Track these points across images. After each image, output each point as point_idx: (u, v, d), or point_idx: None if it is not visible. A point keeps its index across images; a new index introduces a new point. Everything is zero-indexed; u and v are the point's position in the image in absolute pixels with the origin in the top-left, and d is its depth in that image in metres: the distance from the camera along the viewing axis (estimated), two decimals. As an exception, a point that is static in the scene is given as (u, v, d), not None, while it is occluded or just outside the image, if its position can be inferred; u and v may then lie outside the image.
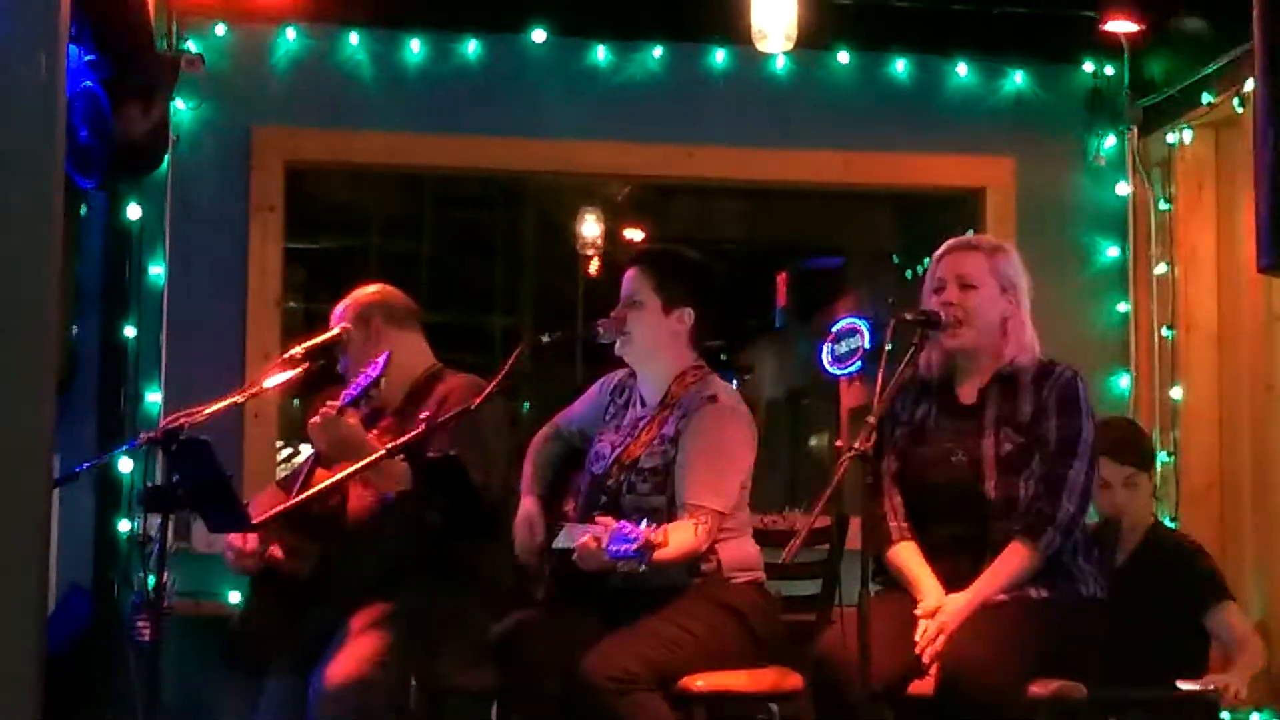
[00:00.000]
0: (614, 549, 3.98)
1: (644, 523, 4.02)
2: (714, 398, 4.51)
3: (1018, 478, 4.20)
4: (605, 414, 4.74)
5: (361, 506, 4.68)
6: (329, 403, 4.53)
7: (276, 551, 4.61)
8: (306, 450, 4.94)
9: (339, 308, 4.97)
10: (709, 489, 4.38)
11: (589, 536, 4.08)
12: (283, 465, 6.93)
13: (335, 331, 4.89)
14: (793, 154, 6.54)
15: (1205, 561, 5.24)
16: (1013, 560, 4.14)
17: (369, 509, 4.65)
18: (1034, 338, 4.36)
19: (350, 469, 4.34)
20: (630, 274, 4.63)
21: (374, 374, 4.46)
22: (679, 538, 4.24)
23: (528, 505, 4.67)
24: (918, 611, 4.15)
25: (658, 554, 4.07)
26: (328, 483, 4.41)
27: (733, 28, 6.06)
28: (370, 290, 5.00)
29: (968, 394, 4.36)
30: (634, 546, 3.94)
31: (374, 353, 4.69)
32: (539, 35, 6.35)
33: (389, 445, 4.26)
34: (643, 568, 4.00)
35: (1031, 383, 4.29)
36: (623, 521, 4.05)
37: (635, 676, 4.16)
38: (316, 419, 4.53)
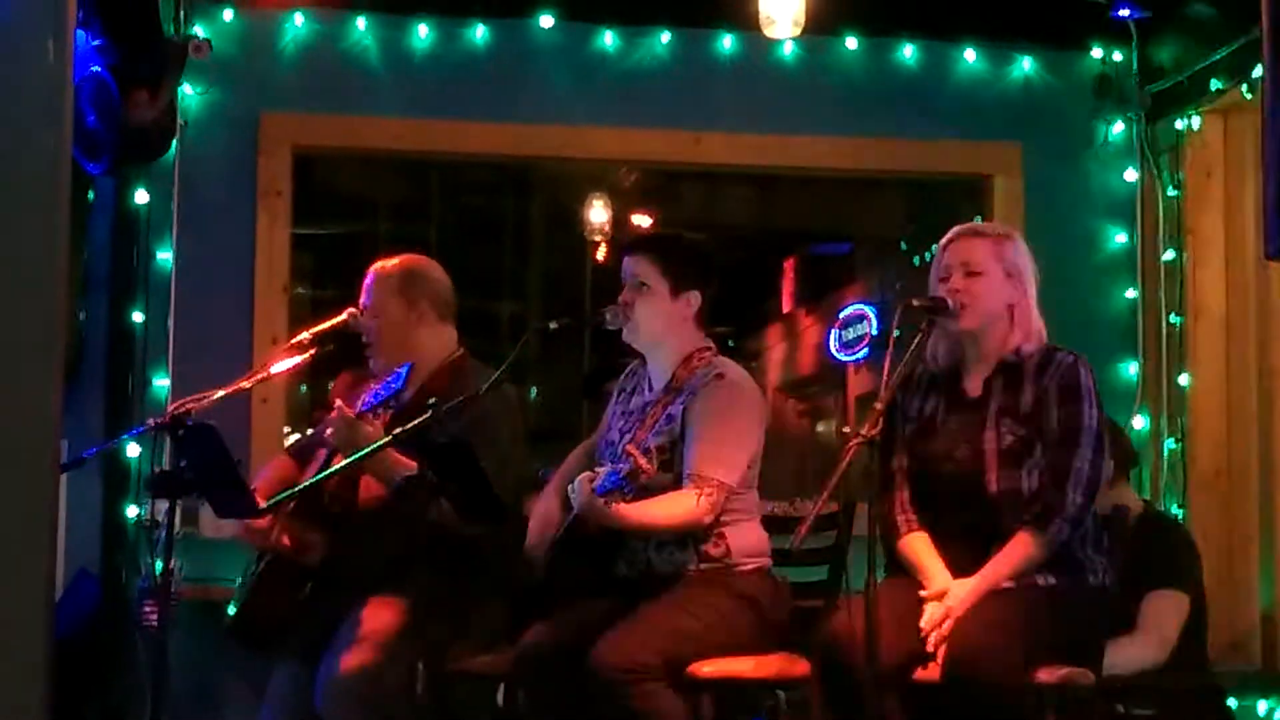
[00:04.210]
0: (601, 485, 4.03)
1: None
2: (721, 375, 4.50)
3: (1019, 470, 4.18)
4: (615, 403, 4.74)
5: (372, 496, 4.69)
6: (340, 404, 4.56)
7: (285, 540, 4.63)
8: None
9: (383, 270, 4.95)
10: (714, 460, 4.36)
11: (585, 475, 4.13)
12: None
13: (343, 317, 4.90)
14: (800, 140, 6.53)
15: (1161, 544, 5.03)
16: (1019, 550, 4.13)
17: (380, 498, 4.66)
18: (1040, 325, 4.34)
19: (357, 454, 4.35)
20: (633, 259, 4.60)
21: (396, 385, 4.46)
22: (681, 504, 4.27)
23: (550, 503, 4.60)
24: (923, 593, 4.15)
25: (657, 516, 4.18)
26: (337, 468, 4.43)
27: (740, 13, 6.05)
28: (426, 265, 5.00)
29: (973, 386, 4.34)
30: (620, 474, 3.98)
31: (406, 335, 4.73)
32: (546, 20, 6.34)
33: (395, 431, 4.26)
34: (629, 495, 4.03)
35: (1034, 371, 4.27)
36: (620, 463, 4.08)
37: (645, 667, 4.15)
38: (335, 417, 4.55)
